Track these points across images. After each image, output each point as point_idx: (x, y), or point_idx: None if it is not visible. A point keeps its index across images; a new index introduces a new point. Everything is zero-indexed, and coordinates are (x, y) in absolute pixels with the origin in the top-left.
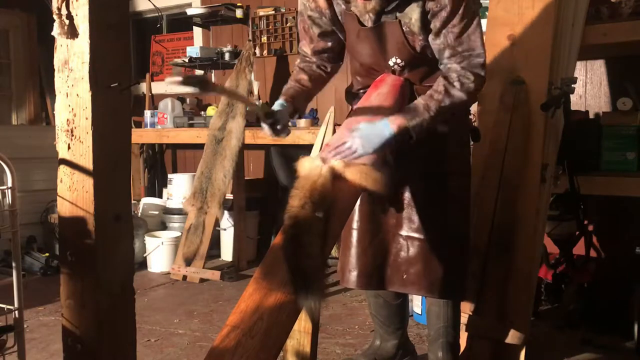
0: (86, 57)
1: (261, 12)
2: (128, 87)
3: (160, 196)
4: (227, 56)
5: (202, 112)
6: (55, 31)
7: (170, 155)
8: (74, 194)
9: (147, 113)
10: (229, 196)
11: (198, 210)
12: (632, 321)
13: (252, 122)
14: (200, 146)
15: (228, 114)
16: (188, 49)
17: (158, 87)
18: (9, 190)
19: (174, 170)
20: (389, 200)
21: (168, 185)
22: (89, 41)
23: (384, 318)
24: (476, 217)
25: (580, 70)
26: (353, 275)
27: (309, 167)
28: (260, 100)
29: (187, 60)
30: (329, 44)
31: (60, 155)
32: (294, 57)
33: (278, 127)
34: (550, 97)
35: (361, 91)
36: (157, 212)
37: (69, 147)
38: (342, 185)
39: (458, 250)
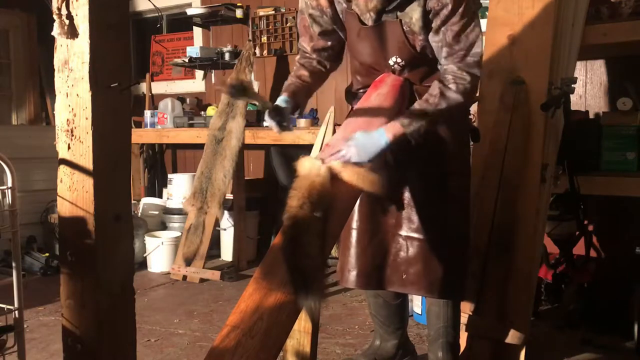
0: (86, 57)
1: (261, 12)
2: (128, 87)
3: (160, 196)
4: (227, 56)
5: (202, 112)
6: (55, 31)
7: (170, 155)
8: (74, 194)
9: (147, 113)
10: (229, 196)
11: (198, 210)
12: (632, 321)
13: (252, 122)
14: (200, 146)
15: (228, 114)
16: (188, 49)
17: (158, 87)
18: (9, 190)
19: (174, 170)
20: (388, 199)
21: (168, 185)
22: (89, 41)
23: (383, 318)
24: (476, 217)
25: (580, 70)
26: (352, 275)
27: (309, 167)
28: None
29: (187, 60)
30: (329, 43)
31: (60, 155)
32: (294, 57)
33: (284, 123)
34: (550, 97)
35: (361, 91)
36: (157, 212)
37: (69, 147)
38: (341, 185)
39: (458, 250)
